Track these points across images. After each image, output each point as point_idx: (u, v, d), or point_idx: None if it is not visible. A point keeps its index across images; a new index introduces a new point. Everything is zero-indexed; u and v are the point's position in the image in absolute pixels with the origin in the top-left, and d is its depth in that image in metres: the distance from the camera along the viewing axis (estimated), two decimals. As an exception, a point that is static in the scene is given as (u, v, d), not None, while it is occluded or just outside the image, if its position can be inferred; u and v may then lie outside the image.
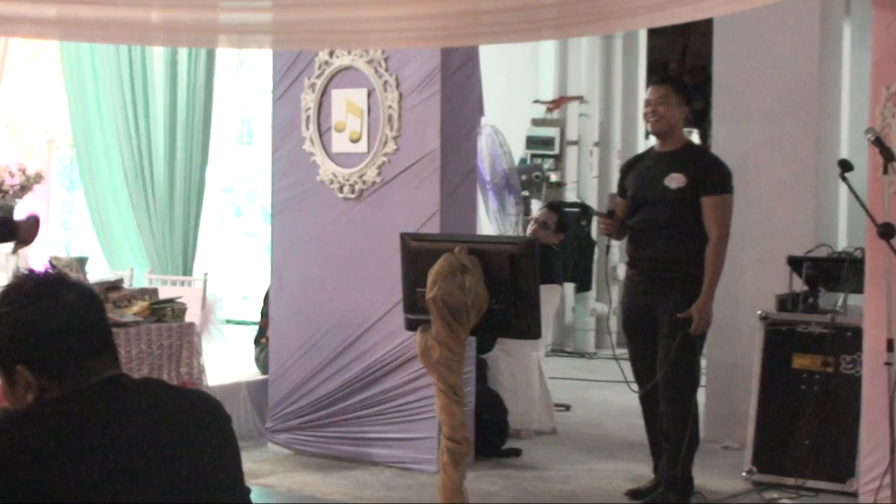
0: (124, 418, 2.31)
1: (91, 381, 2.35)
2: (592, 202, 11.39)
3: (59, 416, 2.26)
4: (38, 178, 8.46)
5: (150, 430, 2.31)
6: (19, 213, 8.49)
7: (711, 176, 5.98)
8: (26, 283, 2.38)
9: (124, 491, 2.24)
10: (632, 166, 6.29)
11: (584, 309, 11.62)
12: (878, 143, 5.44)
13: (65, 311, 2.35)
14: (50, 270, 2.59)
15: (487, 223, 10.35)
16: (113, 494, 2.22)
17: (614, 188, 6.41)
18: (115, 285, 6.61)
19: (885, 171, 5.41)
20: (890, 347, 5.30)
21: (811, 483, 6.30)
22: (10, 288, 2.39)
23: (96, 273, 7.47)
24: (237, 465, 2.49)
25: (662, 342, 5.91)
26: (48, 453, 2.18)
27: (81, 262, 6.77)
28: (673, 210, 5.96)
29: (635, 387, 6.20)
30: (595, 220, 6.22)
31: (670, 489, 5.95)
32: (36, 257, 8.04)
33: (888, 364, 5.30)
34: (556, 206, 8.52)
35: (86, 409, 2.30)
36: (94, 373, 2.36)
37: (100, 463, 2.23)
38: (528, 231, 8.05)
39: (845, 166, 5.66)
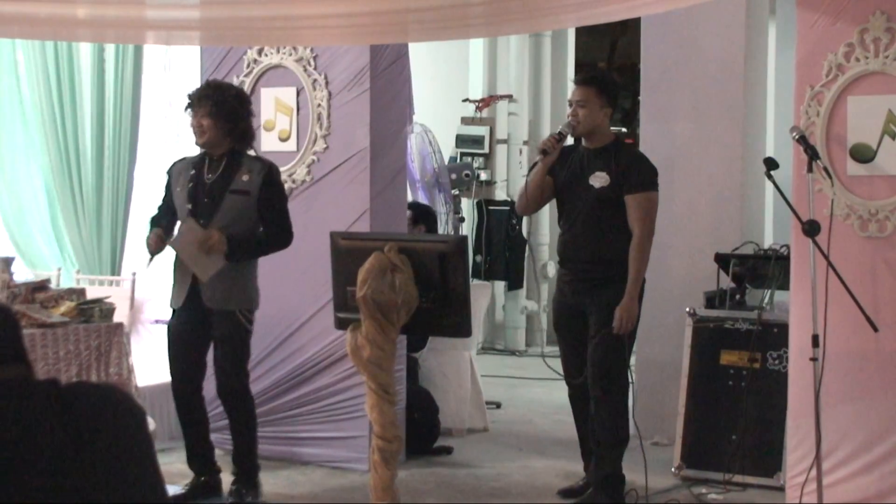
0: (23, 415, 2.34)
1: None
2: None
3: None
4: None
5: (52, 425, 2.35)
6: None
7: (635, 174, 5.91)
8: None
9: (25, 484, 2.25)
10: (564, 156, 6.08)
11: (515, 307, 11.65)
12: (803, 141, 5.50)
13: None
14: None
15: (418, 222, 10.34)
16: (12, 488, 2.23)
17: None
18: (41, 285, 6.51)
19: (810, 170, 5.46)
20: (815, 343, 5.35)
21: (739, 478, 6.36)
22: None
23: (23, 273, 7.36)
24: (149, 457, 2.51)
25: (592, 342, 5.89)
26: None
27: (7, 262, 6.65)
28: (597, 209, 5.90)
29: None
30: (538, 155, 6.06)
31: (601, 489, 5.95)
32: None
33: (814, 360, 5.35)
34: (411, 205, 8.47)
35: None
36: None
37: None
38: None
39: (771, 164, 5.72)
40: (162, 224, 5.99)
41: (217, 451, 6.24)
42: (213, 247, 5.72)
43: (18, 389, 2.42)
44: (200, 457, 6.06)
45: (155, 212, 6.11)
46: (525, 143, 11.75)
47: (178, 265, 5.92)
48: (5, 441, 2.29)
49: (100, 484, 2.37)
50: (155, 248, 5.84)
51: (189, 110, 5.91)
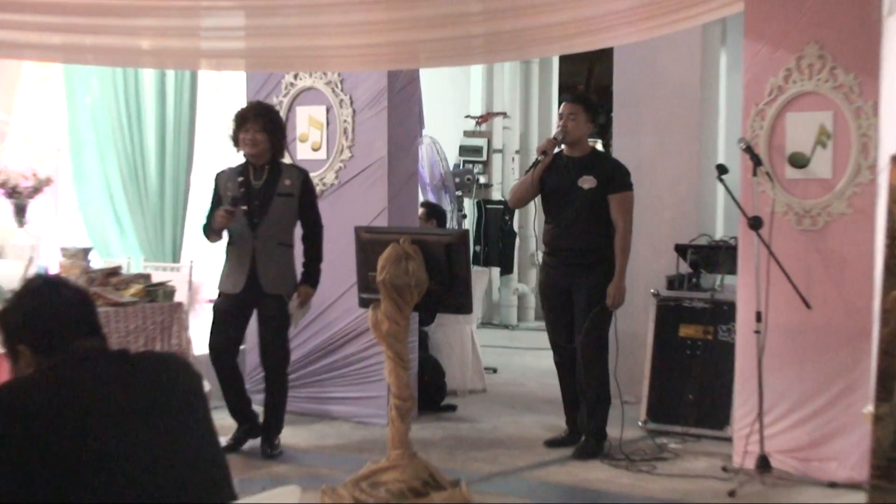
0: (98, 378, 2.39)
1: (73, 353, 2.42)
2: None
3: (45, 379, 2.35)
4: (48, 181, 8.33)
5: (120, 384, 2.40)
6: (33, 210, 8.37)
7: (616, 177, 5.98)
8: (35, 282, 2.56)
9: (100, 437, 2.28)
10: (550, 164, 6.07)
11: (508, 289, 11.65)
12: (749, 150, 5.51)
13: (60, 305, 2.47)
14: (57, 272, 2.81)
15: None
16: (90, 440, 2.27)
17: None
18: (114, 271, 6.53)
19: (754, 174, 5.48)
20: (758, 318, 5.39)
21: (694, 430, 6.38)
22: (23, 285, 2.55)
23: (99, 261, 7.38)
24: (205, 413, 2.54)
25: (580, 316, 5.93)
26: (38, 406, 2.25)
27: (86, 251, 6.67)
28: (585, 206, 5.94)
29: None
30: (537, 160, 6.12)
31: (592, 438, 5.99)
32: (48, 247, 7.93)
33: (757, 332, 5.39)
34: (424, 204, 8.47)
35: (65, 372, 2.37)
36: (78, 349, 2.43)
37: (78, 415, 2.29)
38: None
39: (722, 170, 5.74)
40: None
41: (261, 409, 6.23)
42: (307, 299, 5.90)
43: (95, 357, 2.45)
44: (240, 408, 6.04)
45: (207, 216, 6.02)
46: (517, 152, 11.74)
47: (235, 256, 5.90)
48: (85, 400, 2.32)
49: (165, 435, 2.39)
50: (225, 223, 5.79)
51: (240, 126, 5.86)
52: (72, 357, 2.41)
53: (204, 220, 6.04)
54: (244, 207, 5.80)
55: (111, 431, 2.30)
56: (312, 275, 5.96)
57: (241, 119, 5.86)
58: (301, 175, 5.95)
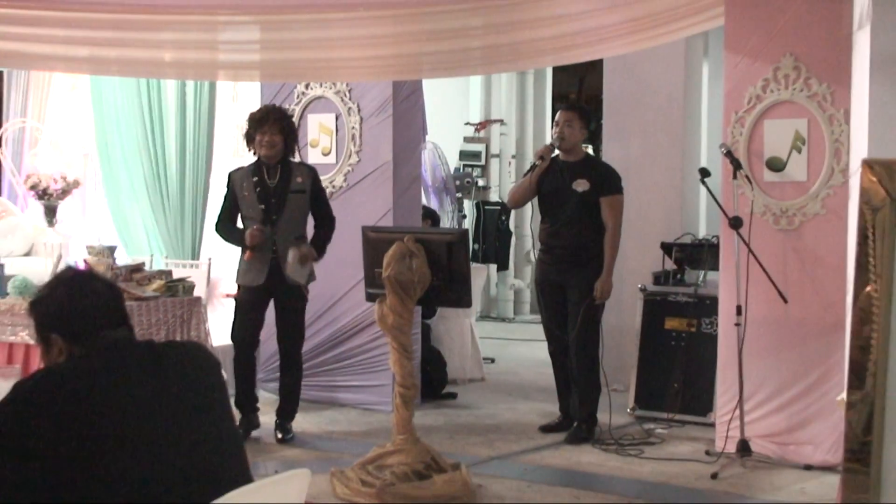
0: (127, 366, 2.39)
1: (103, 343, 2.42)
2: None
3: (77, 367, 2.36)
4: (76, 184, 8.36)
5: (147, 372, 2.40)
6: (62, 211, 8.40)
7: (608, 181, 5.98)
8: (67, 274, 2.56)
9: (128, 421, 2.30)
10: (547, 169, 6.06)
11: (505, 284, 11.65)
12: (729, 155, 5.52)
13: (91, 296, 2.47)
14: (85, 267, 2.79)
15: (430, 218, 10.32)
16: (119, 424, 2.28)
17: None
18: (138, 267, 6.53)
19: (735, 177, 5.49)
20: (739, 312, 5.40)
21: (679, 416, 6.38)
22: (56, 277, 2.56)
23: (123, 258, 7.39)
24: (224, 399, 2.55)
25: (573, 309, 5.92)
26: (70, 393, 2.26)
27: (111, 249, 6.68)
28: (579, 208, 5.93)
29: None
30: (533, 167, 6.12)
31: (583, 424, 5.99)
32: (76, 246, 7.96)
33: (737, 325, 5.40)
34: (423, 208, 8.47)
35: (96, 360, 2.38)
36: (107, 338, 2.44)
37: (108, 400, 2.30)
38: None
39: (704, 173, 5.75)
40: (228, 225, 5.94)
41: (274, 397, 6.23)
42: (307, 258, 5.79)
43: (124, 346, 2.46)
44: (248, 400, 5.99)
45: (220, 214, 5.98)
46: (513, 157, 11.73)
47: (256, 251, 5.83)
48: (114, 386, 2.33)
49: (187, 420, 2.40)
50: (258, 239, 5.74)
51: (257, 128, 5.80)
52: (102, 346, 2.41)
53: (217, 219, 6.02)
54: (261, 206, 5.80)
55: (139, 416, 2.31)
56: (318, 245, 5.92)
57: (259, 122, 5.82)
58: (311, 172, 5.95)
